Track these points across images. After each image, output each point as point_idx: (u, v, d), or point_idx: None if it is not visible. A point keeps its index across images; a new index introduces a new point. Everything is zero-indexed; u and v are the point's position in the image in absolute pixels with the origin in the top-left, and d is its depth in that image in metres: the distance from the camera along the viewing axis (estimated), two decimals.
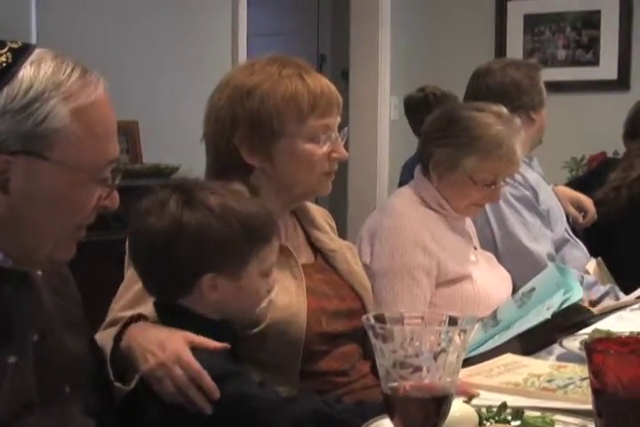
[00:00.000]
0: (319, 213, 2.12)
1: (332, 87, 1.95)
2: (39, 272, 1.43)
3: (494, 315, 2.18)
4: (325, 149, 1.92)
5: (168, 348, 1.57)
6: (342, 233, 2.22)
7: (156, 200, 1.64)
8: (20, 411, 1.30)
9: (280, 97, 1.87)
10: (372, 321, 1.10)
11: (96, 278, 2.62)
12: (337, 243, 2.09)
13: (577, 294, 2.12)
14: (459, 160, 2.46)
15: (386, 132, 5.38)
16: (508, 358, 1.95)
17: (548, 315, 2.05)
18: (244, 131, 1.89)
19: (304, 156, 1.90)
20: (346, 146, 2.00)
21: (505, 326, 2.11)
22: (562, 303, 2.09)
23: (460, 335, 1.09)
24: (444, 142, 2.49)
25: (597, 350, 1.05)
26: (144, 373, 1.57)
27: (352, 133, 5.12)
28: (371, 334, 1.10)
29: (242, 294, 1.67)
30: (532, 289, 2.18)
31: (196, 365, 1.55)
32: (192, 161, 3.65)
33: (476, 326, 2.13)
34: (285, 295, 1.86)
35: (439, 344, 1.08)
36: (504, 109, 2.56)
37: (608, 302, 2.65)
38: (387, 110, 5.40)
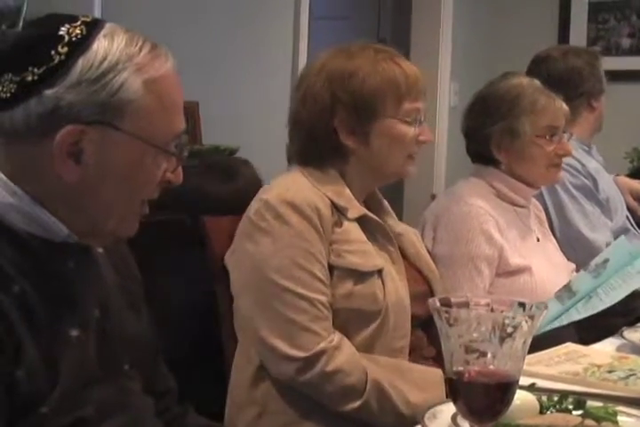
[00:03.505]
0: (383, 200, 2.15)
1: (421, 73, 2.01)
2: (100, 250, 1.44)
3: (569, 287, 2.19)
4: (416, 131, 1.98)
5: None
6: (398, 219, 2.22)
7: None
8: (82, 384, 1.31)
9: (380, 79, 1.93)
10: (439, 304, 1.09)
11: (155, 259, 2.64)
12: (402, 227, 2.12)
13: None
14: (515, 126, 2.48)
15: (445, 119, 5.34)
16: (569, 346, 1.94)
17: None
18: (345, 113, 1.94)
19: (399, 136, 1.97)
20: None
21: (584, 296, 2.13)
22: None
23: (527, 321, 1.08)
24: (492, 121, 2.51)
25: None
26: None
27: None
28: (436, 317, 1.09)
29: None
30: (606, 260, 2.21)
31: None
32: (251, 143, 3.67)
33: (551, 301, 2.16)
34: (391, 282, 1.92)
35: (506, 330, 1.07)
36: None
37: None
38: (446, 96, 5.36)
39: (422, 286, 2.06)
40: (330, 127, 1.95)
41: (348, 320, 1.87)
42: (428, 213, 2.50)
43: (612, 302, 2.08)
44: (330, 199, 1.92)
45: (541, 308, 1.09)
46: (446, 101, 5.36)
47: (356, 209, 1.95)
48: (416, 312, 1.95)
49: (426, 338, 2.01)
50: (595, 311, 2.08)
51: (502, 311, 1.11)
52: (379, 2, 6.13)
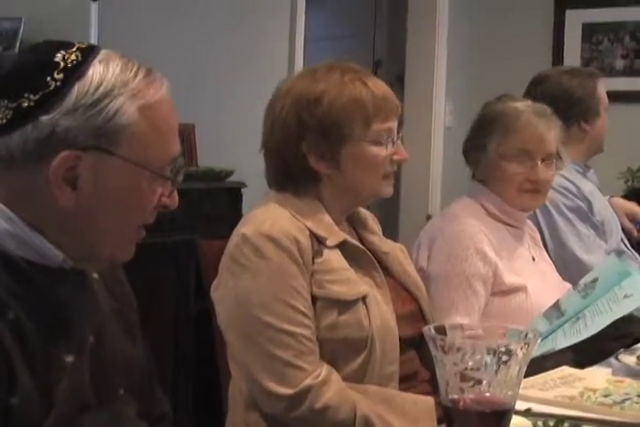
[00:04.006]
0: (368, 216, 2.14)
1: (391, 91, 1.98)
2: (95, 275, 1.44)
3: (557, 306, 2.19)
4: (388, 151, 1.95)
5: None
6: (394, 240, 2.22)
7: None
8: (77, 410, 1.31)
9: (347, 102, 1.89)
10: (434, 333, 1.09)
11: (150, 281, 2.64)
12: (388, 244, 2.10)
13: None
14: (485, 142, 2.51)
15: (440, 139, 5.35)
16: (564, 370, 1.94)
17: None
18: (313, 138, 1.91)
19: (370, 159, 1.93)
20: None
21: (571, 316, 2.12)
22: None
23: (522, 349, 1.08)
24: (473, 136, 2.56)
25: None
26: None
27: (406, 140, 5.08)
28: (431, 345, 1.09)
29: None
30: (595, 280, 2.20)
31: None
32: (247, 165, 3.67)
33: (539, 319, 2.15)
34: (376, 307, 1.89)
35: (501, 358, 1.07)
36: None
37: None
38: (441, 117, 5.38)
39: (410, 306, 2.04)
40: (299, 153, 1.92)
41: (334, 351, 1.86)
42: (423, 234, 2.52)
43: (597, 330, 2.06)
44: (309, 229, 1.89)
45: (537, 335, 1.10)
46: (441, 122, 5.37)
47: (336, 236, 1.92)
48: (405, 334, 1.94)
49: (418, 359, 1.99)
50: (579, 339, 2.05)
51: (498, 339, 1.11)
52: (374, 22, 6.15)
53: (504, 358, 1.07)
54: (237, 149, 3.79)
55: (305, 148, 1.91)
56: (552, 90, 3.02)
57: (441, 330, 1.10)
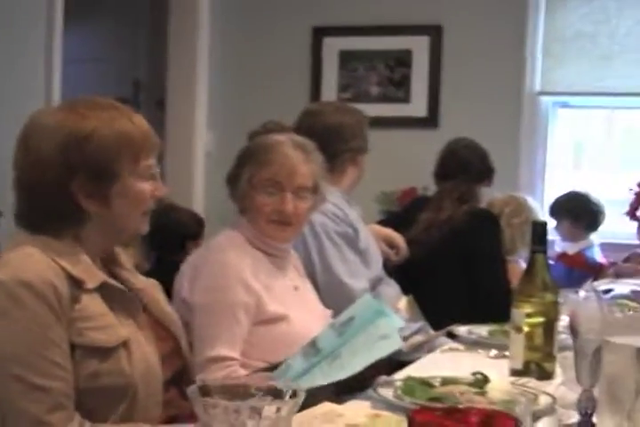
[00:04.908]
0: (120, 251, 2.07)
1: (151, 129, 1.96)
2: None
3: (313, 343, 2.20)
4: (152, 187, 1.93)
5: None
6: None
7: None
8: None
9: (117, 140, 1.86)
10: (197, 394, 1.09)
11: None
12: (141, 280, 2.06)
13: (398, 322, 2.21)
14: (240, 172, 2.55)
15: (201, 165, 5.36)
16: (325, 406, 1.95)
17: (397, 344, 2.11)
18: (83, 177, 1.85)
19: (139, 195, 1.91)
20: (162, 179, 2.02)
21: (328, 354, 2.14)
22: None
23: (285, 406, 1.09)
24: (232, 167, 2.60)
25: (418, 421, 1.07)
26: None
27: (167, 164, 5.09)
28: (196, 406, 1.09)
29: None
30: (351, 318, 2.23)
31: None
32: (3, 194, 3.54)
33: (297, 356, 2.17)
34: (139, 350, 1.84)
35: (263, 417, 1.08)
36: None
37: (416, 338, 2.72)
38: (202, 142, 5.38)
39: (167, 345, 2.00)
40: (67, 192, 1.85)
41: (97, 399, 1.80)
42: (186, 264, 2.52)
43: (354, 371, 2.08)
44: (67, 273, 1.81)
45: (302, 391, 1.11)
46: (202, 147, 5.38)
47: (95, 278, 1.86)
48: (165, 374, 1.91)
49: (179, 394, 1.97)
50: (336, 379, 2.07)
51: (260, 399, 1.11)
52: (134, 43, 6.07)
53: (267, 416, 1.08)
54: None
55: (75, 187, 1.85)
56: (326, 124, 3.10)
57: (205, 390, 1.10)
